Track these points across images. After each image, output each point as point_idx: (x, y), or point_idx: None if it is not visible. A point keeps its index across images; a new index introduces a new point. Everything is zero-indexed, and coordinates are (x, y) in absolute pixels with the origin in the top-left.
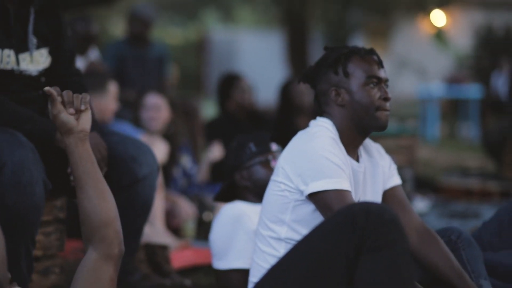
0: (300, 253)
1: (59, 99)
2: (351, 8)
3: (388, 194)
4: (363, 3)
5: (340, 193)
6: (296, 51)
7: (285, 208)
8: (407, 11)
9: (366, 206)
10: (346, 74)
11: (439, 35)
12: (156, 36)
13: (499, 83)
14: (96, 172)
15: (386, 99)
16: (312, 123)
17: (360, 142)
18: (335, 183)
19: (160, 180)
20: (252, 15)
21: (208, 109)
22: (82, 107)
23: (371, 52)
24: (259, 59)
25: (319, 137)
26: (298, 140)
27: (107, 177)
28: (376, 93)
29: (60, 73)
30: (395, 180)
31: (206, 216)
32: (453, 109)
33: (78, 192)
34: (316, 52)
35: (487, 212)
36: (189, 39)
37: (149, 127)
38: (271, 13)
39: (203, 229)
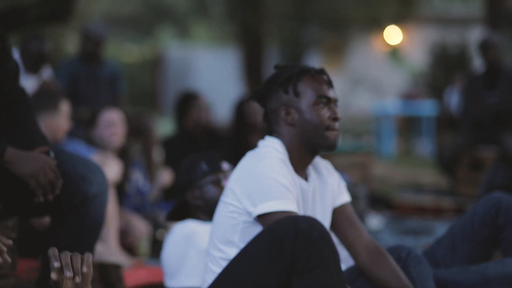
0: (232, 276)
1: (56, 264)
2: (307, 25)
3: (337, 211)
4: (318, 20)
5: (288, 215)
6: (251, 68)
7: (234, 230)
8: (363, 28)
9: (294, 225)
10: (297, 94)
11: (394, 51)
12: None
13: (452, 99)
14: None
15: (335, 119)
16: (261, 143)
17: (309, 161)
18: (283, 204)
19: (113, 198)
20: (208, 32)
21: (164, 127)
22: (84, 270)
23: (321, 72)
24: (215, 76)
25: (268, 158)
26: (247, 161)
27: (57, 196)
28: (325, 113)
29: (5, 91)
30: (344, 197)
31: (160, 234)
32: (409, 126)
33: None
34: (271, 69)
35: (441, 228)
36: (145, 56)
37: (109, 143)
38: (227, 30)
39: (157, 247)
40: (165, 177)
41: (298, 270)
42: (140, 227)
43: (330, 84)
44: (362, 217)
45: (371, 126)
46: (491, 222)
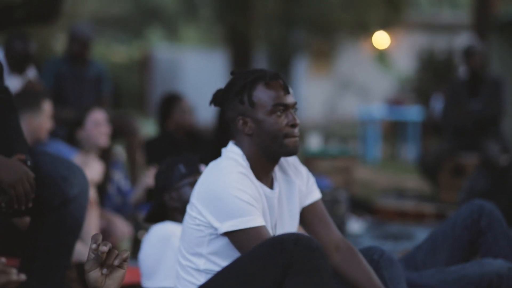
0: (230, 274)
1: (92, 255)
2: (295, 29)
3: (307, 210)
4: (306, 24)
5: (254, 230)
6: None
7: (201, 242)
8: (351, 32)
9: (295, 235)
10: (252, 104)
11: (381, 56)
12: (100, 53)
13: (438, 105)
14: None
15: (294, 125)
16: (223, 152)
17: (271, 168)
18: (248, 221)
19: (95, 198)
20: (197, 34)
21: (150, 128)
22: (116, 263)
23: (277, 76)
24: (202, 78)
25: (228, 174)
26: (208, 177)
27: (37, 197)
28: (283, 121)
29: None
30: (315, 195)
31: (141, 234)
32: (394, 131)
33: None
34: None
35: (421, 233)
36: (133, 57)
37: (97, 143)
38: (215, 32)
39: (138, 248)
40: (150, 177)
41: (294, 270)
42: (122, 227)
43: (286, 89)
44: (343, 221)
45: (357, 130)
46: (473, 225)
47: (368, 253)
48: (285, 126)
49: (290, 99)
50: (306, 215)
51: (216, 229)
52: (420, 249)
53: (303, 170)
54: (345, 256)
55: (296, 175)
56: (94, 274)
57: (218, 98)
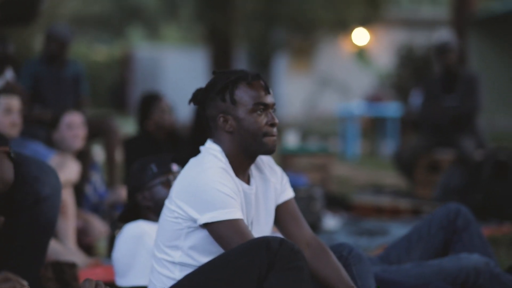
0: (215, 266)
1: None
2: (275, 27)
3: (281, 208)
4: (286, 21)
5: (233, 223)
6: (220, 68)
7: (178, 234)
8: (330, 30)
9: (280, 238)
10: (233, 102)
11: (361, 53)
12: (81, 52)
13: (417, 101)
14: None
15: (273, 124)
16: (203, 149)
17: (248, 165)
18: (228, 213)
19: (71, 198)
20: (177, 33)
21: (130, 127)
22: None
23: (258, 77)
24: (183, 77)
25: (209, 168)
26: (189, 172)
27: (9, 197)
28: (263, 119)
29: None
30: (288, 194)
31: (117, 233)
32: (373, 127)
33: None
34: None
35: (396, 229)
36: (114, 56)
37: (70, 146)
38: (196, 31)
39: None
40: (123, 194)
41: (278, 266)
42: (98, 226)
43: (267, 89)
44: (318, 218)
45: (337, 127)
46: (449, 225)
47: (337, 249)
48: (264, 125)
49: (270, 99)
50: (279, 212)
51: (195, 221)
52: (394, 247)
53: (278, 169)
54: (316, 253)
55: (271, 174)
56: None
57: (198, 97)
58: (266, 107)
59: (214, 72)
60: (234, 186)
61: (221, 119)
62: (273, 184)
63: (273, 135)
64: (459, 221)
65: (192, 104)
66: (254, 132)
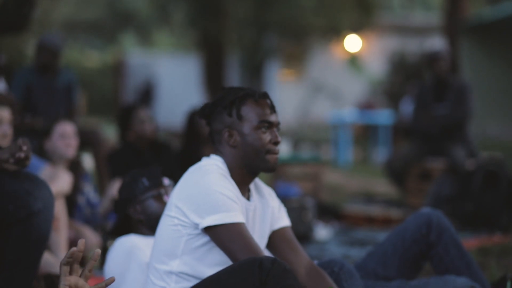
0: (209, 285)
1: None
2: (267, 33)
3: (277, 234)
4: (278, 28)
5: (236, 226)
6: (212, 75)
7: (178, 242)
8: (322, 36)
9: (273, 258)
10: (240, 117)
11: (353, 60)
12: (73, 58)
13: (408, 108)
14: None
15: (276, 143)
16: (205, 159)
17: (249, 181)
18: (231, 216)
19: (63, 209)
20: (169, 39)
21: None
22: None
23: (265, 96)
24: (175, 83)
25: (212, 172)
26: (191, 176)
27: (2, 210)
28: (267, 137)
29: None
30: (284, 221)
31: (110, 244)
32: (365, 134)
33: None
34: (232, 76)
35: None
36: (106, 62)
37: (63, 155)
38: (188, 37)
39: None
40: (115, 188)
41: (270, 286)
42: (91, 237)
43: (273, 108)
44: (310, 228)
45: (329, 134)
46: (422, 239)
47: (328, 265)
48: (268, 143)
49: (275, 118)
50: (276, 239)
51: (196, 226)
52: (371, 258)
53: (277, 200)
54: (312, 277)
55: (271, 200)
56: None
57: (206, 110)
58: (271, 125)
59: (223, 88)
60: (236, 192)
61: (226, 133)
62: (271, 209)
63: (275, 153)
64: (432, 234)
65: (200, 117)
66: (257, 149)
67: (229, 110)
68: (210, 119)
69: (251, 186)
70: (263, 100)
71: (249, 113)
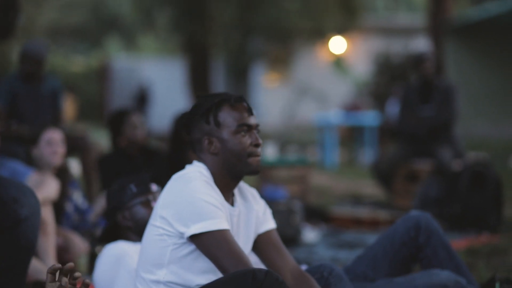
0: None
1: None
2: (252, 36)
3: (262, 237)
4: (263, 31)
5: (222, 233)
6: (198, 78)
7: (164, 252)
8: (307, 39)
9: (266, 270)
10: (217, 124)
11: (338, 62)
12: (58, 63)
13: (393, 109)
14: None
15: (257, 145)
16: (188, 166)
17: (233, 186)
18: (216, 223)
19: (51, 216)
20: (155, 43)
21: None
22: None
23: (241, 99)
24: (161, 87)
25: (195, 180)
26: (174, 184)
27: None
28: (247, 140)
29: None
30: (270, 224)
31: (98, 250)
32: (352, 136)
33: None
34: (217, 79)
35: None
36: (91, 66)
37: (50, 162)
38: (173, 41)
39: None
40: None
41: None
42: (79, 244)
43: (250, 111)
44: (298, 231)
45: (315, 136)
46: (411, 242)
47: (318, 270)
48: (249, 146)
49: (253, 120)
50: (261, 242)
51: (182, 235)
52: (360, 261)
53: (262, 201)
54: (299, 282)
55: (255, 203)
56: None
57: (183, 121)
58: (250, 128)
59: (197, 96)
60: (220, 199)
61: (206, 141)
62: (255, 213)
63: (257, 155)
64: (421, 237)
65: (175, 122)
66: (238, 153)
67: (206, 118)
68: (189, 129)
69: (235, 191)
70: (239, 104)
71: (227, 118)
